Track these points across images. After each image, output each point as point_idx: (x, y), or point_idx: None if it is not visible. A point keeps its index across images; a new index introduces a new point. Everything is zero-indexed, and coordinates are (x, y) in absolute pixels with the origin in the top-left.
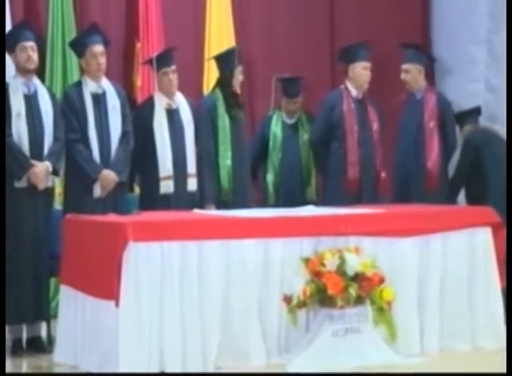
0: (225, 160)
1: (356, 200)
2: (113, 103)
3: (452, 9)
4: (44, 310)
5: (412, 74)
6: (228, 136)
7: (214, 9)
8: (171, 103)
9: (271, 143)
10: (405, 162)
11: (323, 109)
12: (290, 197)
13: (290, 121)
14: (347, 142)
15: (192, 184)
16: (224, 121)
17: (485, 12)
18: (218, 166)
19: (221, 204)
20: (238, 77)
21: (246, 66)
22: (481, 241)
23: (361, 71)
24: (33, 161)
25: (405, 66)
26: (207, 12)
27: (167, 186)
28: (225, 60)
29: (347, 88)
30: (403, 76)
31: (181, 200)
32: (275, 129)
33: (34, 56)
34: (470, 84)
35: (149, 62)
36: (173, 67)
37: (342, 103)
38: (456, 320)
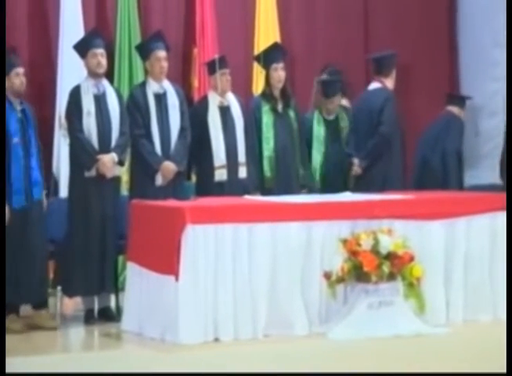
0: (268, 152)
1: None
2: (173, 102)
3: (476, 16)
4: (108, 283)
5: None
6: (272, 131)
7: (263, 18)
8: (223, 100)
9: (314, 142)
10: None
11: (392, 105)
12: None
13: (330, 117)
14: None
15: (242, 172)
16: (268, 118)
17: (505, 18)
18: (261, 157)
19: (265, 192)
20: (274, 75)
21: (288, 66)
22: (502, 224)
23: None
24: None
25: None
26: (256, 22)
27: (221, 174)
28: (261, 59)
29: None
30: None
31: (233, 186)
32: (318, 129)
33: (103, 61)
34: (492, 83)
35: (209, 64)
36: (229, 70)
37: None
38: (478, 294)
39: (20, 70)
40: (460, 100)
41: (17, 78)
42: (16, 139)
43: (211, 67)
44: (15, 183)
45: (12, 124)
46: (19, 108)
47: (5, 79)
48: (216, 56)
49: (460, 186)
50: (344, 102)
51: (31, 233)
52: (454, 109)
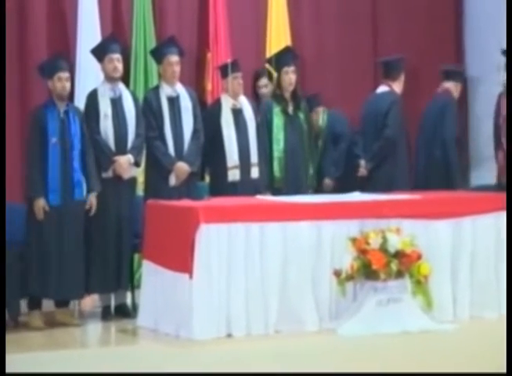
0: (278, 153)
1: None
2: (186, 105)
3: (482, 21)
4: (124, 281)
5: None
6: (282, 132)
7: (274, 24)
8: (235, 103)
9: None
10: None
11: (397, 108)
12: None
13: None
14: None
15: (254, 172)
16: (279, 119)
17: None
18: (271, 158)
19: (275, 191)
20: (285, 78)
21: (299, 69)
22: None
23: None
24: (117, 155)
25: None
26: (267, 27)
27: (234, 175)
28: (273, 62)
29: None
30: None
31: (246, 186)
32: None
33: (120, 66)
34: (496, 87)
35: (222, 67)
36: (241, 73)
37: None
38: (484, 291)
39: (63, 74)
40: (455, 74)
41: (59, 82)
42: (54, 139)
43: (224, 71)
44: (51, 182)
45: (52, 124)
46: (62, 109)
47: (5, 79)
48: (229, 60)
49: (464, 179)
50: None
51: (68, 232)
52: (450, 84)
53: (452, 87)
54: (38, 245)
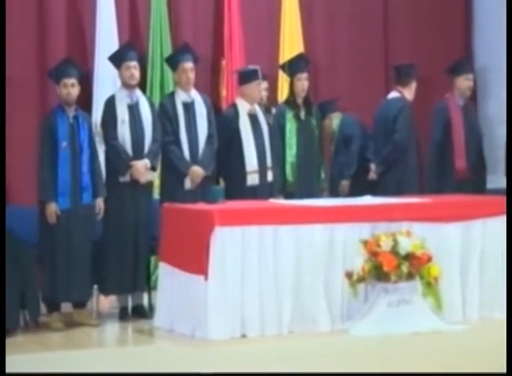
0: (290, 158)
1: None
2: (201, 111)
3: (492, 28)
4: (141, 282)
5: None
6: (295, 137)
7: (287, 31)
8: (252, 108)
9: None
10: None
11: (406, 114)
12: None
13: None
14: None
15: (270, 175)
16: (291, 125)
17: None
18: (284, 162)
19: (288, 195)
20: (298, 84)
21: (311, 75)
22: None
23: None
24: (134, 160)
25: None
26: (281, 34)
27: (253, 179)
28: (286, 69)
29: (404, 96)
30: None
31: (264, 190)
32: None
33: (136, 73)
34: (505, 91)
35: (248, 72)
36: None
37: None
38: (493, 293)
39: (68, 80)
40: (455, 69)
41: (64, 89)
42: (64, 144)
43: (251, 76)
44: (60, 185)
45: (62, 129)
46: (71, 115)
47: (5, 78)
48: (257, 67)
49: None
50: None
51: (76, 235)
52: (456, 83)
53: (456, 90)
54: (50, 248)
